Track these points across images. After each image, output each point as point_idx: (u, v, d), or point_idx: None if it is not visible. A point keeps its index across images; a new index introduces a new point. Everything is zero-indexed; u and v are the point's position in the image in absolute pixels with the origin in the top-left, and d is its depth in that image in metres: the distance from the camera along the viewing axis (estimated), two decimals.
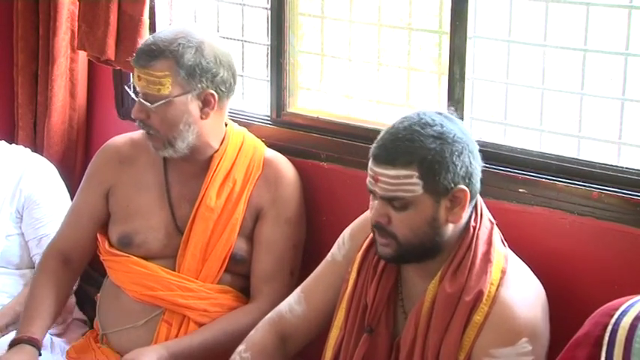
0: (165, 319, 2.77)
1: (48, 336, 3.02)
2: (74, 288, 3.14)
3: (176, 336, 2.75)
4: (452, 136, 2.20)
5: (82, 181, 2.97)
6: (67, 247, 2.94)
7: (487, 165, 2.35)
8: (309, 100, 3.10)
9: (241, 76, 3.26)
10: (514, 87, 2.69)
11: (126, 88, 2.79)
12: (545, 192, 2.54)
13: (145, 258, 2.82)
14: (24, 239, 3.18)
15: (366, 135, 2.89)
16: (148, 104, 2.67)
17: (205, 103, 2.72)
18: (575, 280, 2.46)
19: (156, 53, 2.66)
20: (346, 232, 2.51)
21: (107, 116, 3.51)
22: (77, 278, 3.06)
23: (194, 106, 2.71)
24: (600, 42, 2.51)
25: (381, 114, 2.95)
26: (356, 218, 2.68)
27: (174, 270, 2.80)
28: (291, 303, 2.51)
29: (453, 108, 2.44)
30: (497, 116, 2.73)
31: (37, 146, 3.59)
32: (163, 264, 2.81)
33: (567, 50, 2.56)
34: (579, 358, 1.82)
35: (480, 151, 2.28)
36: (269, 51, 3.09)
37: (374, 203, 2.26)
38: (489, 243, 2.28)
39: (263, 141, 3.03)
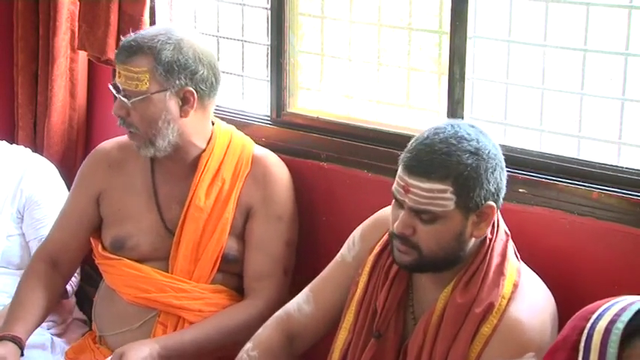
0: (160, 321, 2.77)
1: (48, 336, 3.03)
2: (74, 287, 3.14)
3: None
4: (487, 152, 2.18)
5: (73, 186, 2.98)
6: (56, 250, 2.93)
7: None
8: (309, 100, 3.10)
9: (241, 76, 3.27)
10: (514, 87, 2.69)
11: (109, 86, 2.78)
12: (545, 192, 2.54)
13: (138, 261, 2.82)
14: (25, 240, 3.18)
15: (366, 135, 2.90)
16: (126, 100, 2.68)
17: (185, 101, 2.72)
18: (576, 280, 2.46)
19: (135, 49, 2.67)
20: (357, 233, 2.50)
21: (107, 116, 3.50)
22: (65, 282, 3.02)
23: (173, 104, 2.71)
24: (600, 42, 2.51)
25: (381, 114, 2.95)
26: (356, 218, 2.68)
27: (167, 272, 2.80)
28: (300, 302, 2.49)
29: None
30: (497, 116, 2.73)
31: (37, 146, 3.59)
32: (156, 266, 2.80)
33: (567, 50, 2.56)
34: None
35: None
36: (269, 51, 3.09)
37: (398, 212, 2.22)
38: (503, 255, 2.27)
39: (263, 141, 3.03)
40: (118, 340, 2.79)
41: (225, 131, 2.86)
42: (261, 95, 3.18)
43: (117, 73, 2.72)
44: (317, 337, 2.50)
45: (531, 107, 2.66)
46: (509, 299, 2.21)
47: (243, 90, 3.27)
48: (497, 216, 2.29)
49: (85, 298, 3.25)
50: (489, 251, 2.25)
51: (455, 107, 2.69)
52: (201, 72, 2.71)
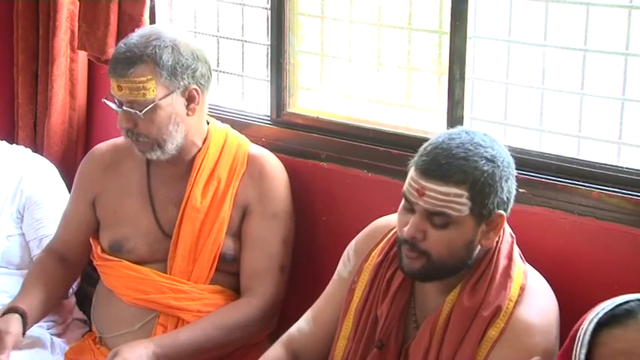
0: (160, 322, 2.77)
1: (48, 336, 3.03)
2: (73, 287, 3.15)
3: None
4: (502, 160, 2.19)
5: (72, 188, 2.99)
6: (63, 249, 2.96)
7: None
8: (309, 100, 3.10)
9: (241, 76, 3.26)
10: (514, 87, 2.69)
11: (105, 101, 2.75)
12: (545, 192, 2.54)
13: (137, 263, 2.82)
14: (25, 240, 3.18)
15: (366, 135, 2.90)
16: (137, 112, 2.66)
17: (190, 100, 2.72)
18: (576, 280, 2.46)
19: (133, 59, 2.65)
20: (350, 249, 2.48)
21: (107, 116, 3.50)
22: (77, 277, 3.06)
23: (179, 104, 2.71)
24: (600, 42, 2.51)
25: (381, 114, 2.95)
26: (356, 218, 2.69)
27: (166, 273, 2.79)
28: (300, 323, 2.50)
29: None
30: (497, 116, 2.73)
31: (37, 146, 3.58)
32: (155, 267, 2.81)
33: (567, 50, 2.56)
34: None
35: None
36: (269, 51, 3.08)
37: (408, 217, 2.20)
38: (510, 258, 2.27)
39: (263, 141, 3.03)
40: (118, 342, 2.78)
41: (220, 130, 2.85)
42: (261, 95, 3.17)
43: (116, 87, 2.68)
44: (321, 356, 2.47)
45: (531, 107, 2.66)
46: (516, 302, 2.21)
47: (243, 90, 3.27)
48: None
49: (85, 298, 3.25)
50: (496, 254, 2.25)
51: (455, 107, 2.69)
52: (200, 68, 2.72)
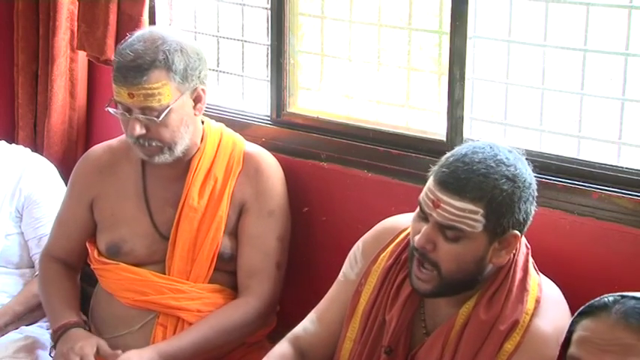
0: (160, 323, 2.76)
1: (48, 336, 3.02)
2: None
3: None
4: (523, 180, 2.16)
5: (66, 191, 2.98)
6: (62, 254, 2.96)
7: None
8: (309, 100, 3.10)
9: (241, 76, 3.26)
10: (514, 87, 2.69)
11: (109, 110, 2.73)
12: (545, 192, 2.54)
13: (135, 265, 2.81)
14: (24, 239, 3.18)
15: (366, 135, 2.90)
16: (153, 118, 2.64)
17: (197, 100, 2.72)
18: (576, 280, 2.46)
19: (146, 66, 2.62)
20: (357, 250, 2.45)
21: (107, 116, 3.48)
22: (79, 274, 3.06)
23: (188, 106, 2.71)
24: (600, 42, 2.51)
25: (381, 114, 2.95)
26: (355, 218, 2.69)
27: (164, 273, 2.79)
28: (306, 324, 2.47)
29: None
30: (497, 116, 2.73)
31: (37, 146, 3.58)
32: (153, 269, 2.80)
33: (567, 50, 2.56)
34: None
35: None
36: (269, 51, 3.08)
37: (421, 226, 2.18)
38: (525, 270, 2.25)
39: (263, 140, 3.03)
40: (118, 343, 2.78)
41: (215, 130, 2.85)
42: (261, 95, 3.17)
43: (126, 95, 2.63)
44: (326, 356, 2.44)
45: (531, 107, 2.66)
46: (532, 315, 2.19)
47: (243, 90, 3.27)
48: None
49: (84, 299, 3.25)
50: (512, 266, 2.22)
51: (455, 107, 2.69)
52: (204, 68, 2.73)
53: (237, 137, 2.88)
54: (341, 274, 2.48)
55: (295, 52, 3.06)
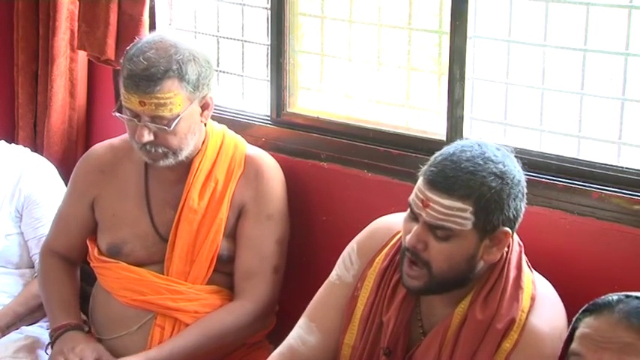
0: (157, 324, 2.76)
1: (47, 336, 3.02)
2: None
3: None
4: (512, 177, 2.16)
5: (67, 189, 2.98)
6: (64, 250, 2.96)
7: None
8: (309, 100, 3.10)
9: (241, 76, 3.27)
10: (514, 87, 2.69)
11: (116, 114, 2.72)
12: (545, 192, 2.54)
13: (135, 264, 2.81)
14: (23, 239, 3.18)
15: (366, 135, 2.90)
16: (164, 127, 2.64)
17: (205, 107, 2.72)
18: (576, 280, 2.46)
19: (159, 76, 2.60)
20: (352, 252, 2.43)
21: (107, 116, 3.51)
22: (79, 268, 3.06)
23: (197, 113, 2.71)
24: (600, 42, 2.51)
25: (381, 114, 2.95)
26: (356, 218, 2.68)
27: (163, 274, 2.79)
28: (302, 334, 2.41)
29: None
30: (497, 116, 2.73)
31: (37, 146, 3.59)
32: (152, 269, 2.80)
33: (567, 50, 2.56)
34: None
35: None
36: (269, 51, 3.08)
37: (411, 226, 2.19)
38: (519, 268, 2.25)
39: (263, 141, 3.03)
40: (116, 344, 2.79)
41: (217, 132, 2.85)
42: (261, 95, 3.17)
43: (137, 103, 2.62)
44: None
45: (531, 107, 2.66)
46: (528, 313, 2.19)
47: (243, 90, 3.27)
48: None
49: (84, 298, 3.25)
50: (506, 265, 2.23)
51: (455, 107, 2.69)
52: (212, 75, 2.72)
53: (240, 140, 2.88)
54: (334, 276, 2.44)
55: (295, 52, 3.06)
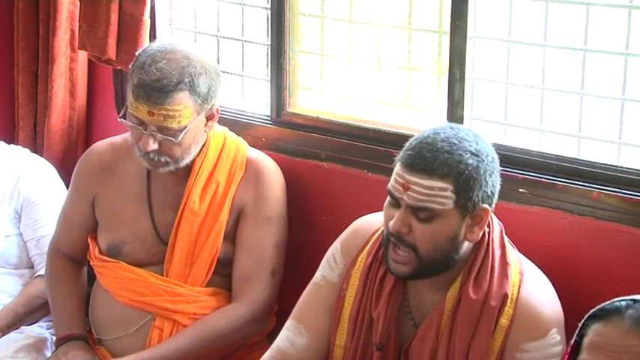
0: (156, 325, 2.76)
1: (48, 335, 3.03)
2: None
3: None
4: (486, 155, 2.20)
5: (69, 187, 2.98)
6: (68, 249, 2.97)
7: None
8: (309, 100, 3.10)
9: (241, 76, 3.27)
10: (514, 87, 2.69)
11: (122, 121, 2.71)
12: (545, 192, 2.54)
13: (134, 265, 2.81)
14: (22, 240, 3.17)
15: (366, 135, 2.90)
16: (171, 138, 2.63)
17: (210, 117, 2.72)
18: (576, 280, 2.46)
19: (170, 88, 2.59)
20: (336, 252, 2.45)
21: (107, 116, 3.51)
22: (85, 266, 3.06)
23: (202, 124, 2.71)
24: (600, 42, 2.51)
25: (381, 114, 2.95)
26: (355, 219, 2.68)
27: (163, 275, 2.79)
28: (291, 337, 2.42)
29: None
30: (497, 116, 2.73)
31: (37, 146, 3.58)
32: (152, 270, 2.80)
33: (567, 50, 2.57)
34: None
35: None
36: (269, 51, 3.08)
37: (393, 212, 2.21)
38: (503, 246, 2.28)
39: (263, 141, 3.03)
40: (115, 345, 2.79)
41: (218, 134, 2.84)
42: (261, 95, 3.17)
43: (146, 113, 2.61)
44: None
45: (531, 107, 2.66)
46: (519, 287, 2.23)
47: (243, 90, 3.26)
48: None
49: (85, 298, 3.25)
50: (490, 244, 2.26)
51: (455, 107, 2.69)
52: (219, 86, 2.72)
53: (241, 142, 2.87)
54: (318, 277, 2.45)
55: (295, 52, 3.06)
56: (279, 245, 2.83)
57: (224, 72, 3.28)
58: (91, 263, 2.91)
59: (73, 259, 2.97)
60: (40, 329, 3.05)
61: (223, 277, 2.81)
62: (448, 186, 2.15)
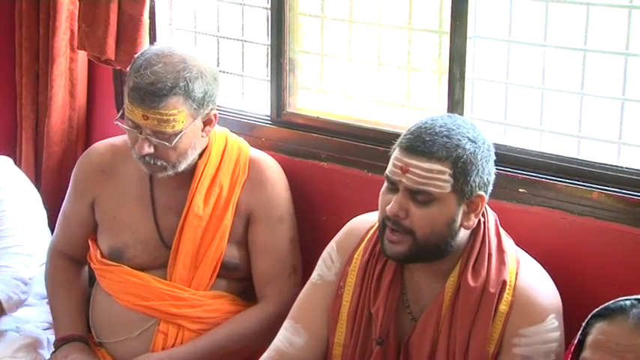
0: (160, 330, 2.75)
1: (45, 336, 3.02)
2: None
3: (172, 346, 2.74)
4: (483, 142, 2.23)
5: (69, 188, 2.97)
6: (67, 249, 2.96)
7: None
8: (309, 100, 3.10)
9: (241, 76, 3.26)
10: (514, 87, 2.69)
11: (118, 123, 2.70)
12: (545, 192, 2.55)
13: (137, 269, 2.80)
14: None
15: (366, 135, 2.90)
16: (165, 142, 2.62)
17: (207, 122, 2.71)
18: (576, 280, 2.46)
19: (164, 92, 2.58)
20: (332, 251, 2.46)
21: (107, 116, 3.51)
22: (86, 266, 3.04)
23: (199, 129, 2.69)
24: (600, 42, 2.51)
25: (381, 114, 2.95)
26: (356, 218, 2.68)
27: (166, 279, 2.78)
28: (289, 337, 2.43)
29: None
30: (497, 116, 2.73)
31: (38, 146, 3.58)
32: (155, 274, 2.79)
33: (567, 50, 2.57)
34: None
35: None
36: (269, 51, 3.08)
37: (390, 197, 2.22)
38: (498, 234, 2.31)
39: (263, 141, 3.03)
40: (117, 349, 2.79)
41: (220, 135, 2.83)
42: (261, 95, 3.17)
43: (141, 116, 2.60)
44: None
45: (531, 107, 2.66)
46: (517, 274, 2.25)
47: (243, 90, 3.26)
48: None
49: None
50: (486, 232, 2.28)
51: (455, 107, 2.69)
52: (218, 91, 2.71)
53: (242, 143, 2.87)
54: (315, 277, 2.46)
55: (295, 52, 3.06)
56: (294, 241, 2.85)
57: (224, 72, 3.28)
58: (92, 266, 2.90)
59: (73, 259, 2.96)
60: (38, 330, 3.04)
61: (227, 280, 2.81)
62: (446, 169, 2.17)
